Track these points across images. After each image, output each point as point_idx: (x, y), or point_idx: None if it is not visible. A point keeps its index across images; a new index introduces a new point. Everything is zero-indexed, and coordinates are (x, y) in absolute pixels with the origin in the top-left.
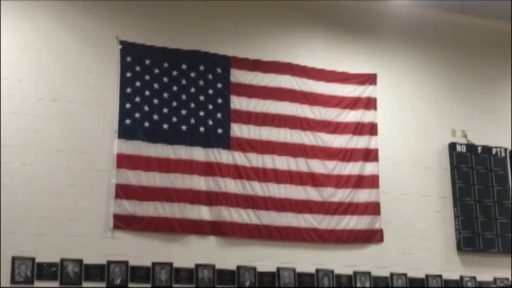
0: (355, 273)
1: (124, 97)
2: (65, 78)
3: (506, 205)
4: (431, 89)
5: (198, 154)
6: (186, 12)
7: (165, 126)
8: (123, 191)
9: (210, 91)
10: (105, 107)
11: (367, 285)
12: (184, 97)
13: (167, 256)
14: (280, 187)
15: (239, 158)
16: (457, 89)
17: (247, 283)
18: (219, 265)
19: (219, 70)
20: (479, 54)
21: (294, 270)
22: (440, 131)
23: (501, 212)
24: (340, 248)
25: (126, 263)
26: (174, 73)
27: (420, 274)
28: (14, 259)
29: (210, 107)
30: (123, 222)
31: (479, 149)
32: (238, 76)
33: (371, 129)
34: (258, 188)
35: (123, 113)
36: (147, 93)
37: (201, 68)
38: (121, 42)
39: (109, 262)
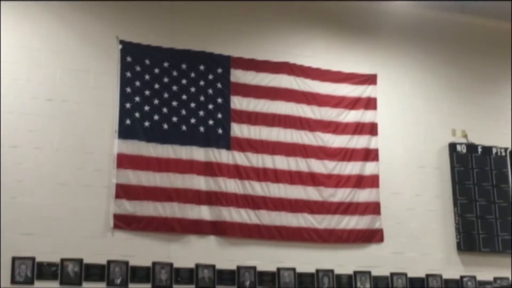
0: (355, 273)
1: (124, 97)
2: (65, 78)
3: (506, 205)
4: (431, 89)
5: (198, 154)
6: (186, 12)
7: (165, 126)
8: (123, 191)
9: (210, 91)
10: (105, 107)
11: (367, 285)
12: (184, 97)
13: (167, 256)
14: (280, 187)
15: (239, 158)
16: (457, 88)
17: (247, 283)
18: (219, 265)
19: (219, 70)
20: (479, 54)
21: (294, 270)
22: (440, 131)
23: (501, 212)
24: (340, 248)
25: (126, 263)
26: (174, 73)
27: (420, 274)
28: (14, 259)
29: (210, 107)
30: (123, 222)
31: (479, 149)
32: (238, 76)
33: (371, 129)
34: (258, 188)
35: (123, 113)
36: (147, 93)
37: (201, 68)
38: (121, 42)
39: (109, 262)
